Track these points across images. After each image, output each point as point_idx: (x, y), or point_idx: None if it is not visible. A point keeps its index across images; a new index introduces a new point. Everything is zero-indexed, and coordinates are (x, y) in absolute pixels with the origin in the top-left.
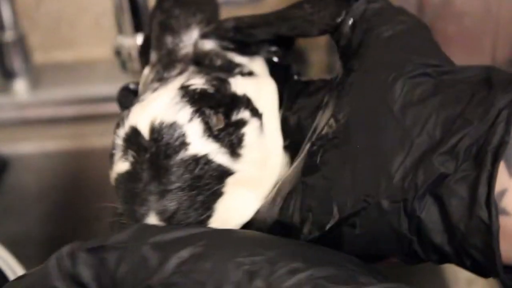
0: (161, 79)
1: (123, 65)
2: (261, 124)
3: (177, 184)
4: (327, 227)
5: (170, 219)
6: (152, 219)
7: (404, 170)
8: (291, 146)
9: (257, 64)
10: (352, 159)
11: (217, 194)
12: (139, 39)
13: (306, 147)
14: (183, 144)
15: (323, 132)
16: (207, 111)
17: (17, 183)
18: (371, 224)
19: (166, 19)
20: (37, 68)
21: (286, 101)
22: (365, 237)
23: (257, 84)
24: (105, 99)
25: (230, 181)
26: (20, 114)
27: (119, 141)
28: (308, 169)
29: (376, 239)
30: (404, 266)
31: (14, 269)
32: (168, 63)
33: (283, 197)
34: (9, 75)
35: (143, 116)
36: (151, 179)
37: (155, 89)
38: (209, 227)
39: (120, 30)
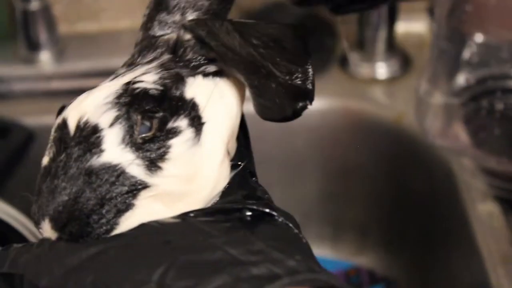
0: (131, 64)
1: None
2: (198, 135)
3: (81, 192)
4: None
5: (63, 228)
6: (46, 225)
7: None
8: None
9: None
10: None
11: (125, 207)
12: None
13: None
14: (98, 150)
15: None
16: (135, 117)
17: (42, 156)
18: None
19: None
20: (61, 39)
21: None
22: None
23: (218, 87)
24: None
25: (143, 195)
26: (45, 85)
27: (52, 130)
28: None
29: None
30: (439, 241)
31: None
32: (147, 46)
33: None
34: (34, 46)
35: (75, 110)
36: (58, 181)
37: (115, 76)
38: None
39: None
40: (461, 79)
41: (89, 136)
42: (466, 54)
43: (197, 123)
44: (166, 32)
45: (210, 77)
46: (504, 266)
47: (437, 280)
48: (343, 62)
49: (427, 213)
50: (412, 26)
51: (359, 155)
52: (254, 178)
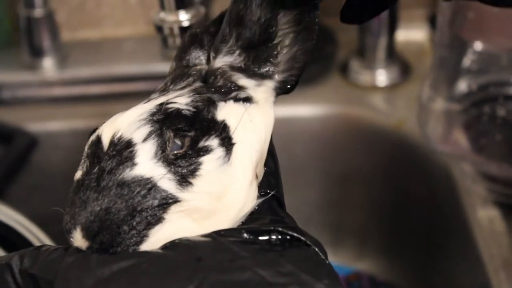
0: (164, 90)
1: (165, 41)
2: (228, 155)
3: (113, 203)
4: None
5: (94, 238)
6: (77, 234)
7: None
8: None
9: (262, 90)
10: None
11: (155, 220)
12: (182, 15)
13: None
14: (131, 163)
15: None
16: (168, 134)
17: (45, 161)
18: None
19: (200, 33)
20: (64, 46)
21: None
22: None
23: (248, 112)
24: (131, 78)
25: (173, 209)
26: (48, 92)
27: (86, 147)
28: None
29: None
30: (440, 246)
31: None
32: (180, 75)
33: None
34: (38, 53)
35: (110, 127)
36: (91, 193)
37: (149, 100)
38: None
39: (162, 5)
40: (462, 85)
41: (122, 150)
42: (467, 61)
43: (227, 143)
44: (198, 62)
45: (241, 102)
46: (505, 271)
47: (438, 285)
48: (344, 69)
49: (428, 218)
50: (412, 34)
51: (359, 161)
52: (282, 208)
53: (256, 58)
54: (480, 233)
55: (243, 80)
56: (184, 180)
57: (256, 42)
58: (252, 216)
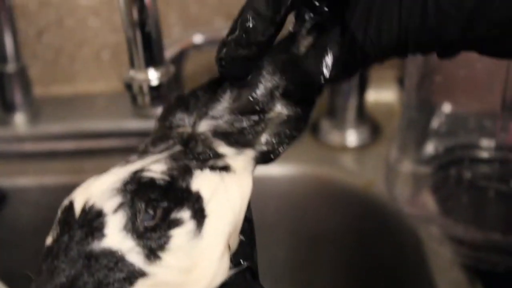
0: (143, 152)
1: (133, 99)
2: (199, 228)
3: (79, 275)
4: None
5: None
6: None
7: None
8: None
9: (242, 159)
10: None
11: None
12: (151, 73)
13: None
14: (100, 235)
15: None
16: (139, 205)
17: (14, 216)
18: None
19: (187, 96)
20: (36, 101)
21: None
22: None
23: (224, 182)
24: (103, 134)
25: (141, 283)
26: (19, 147)
27: (59, 210)
28: None
29: None
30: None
31: None
32: (161, 137)
33: None
34: (9, 108)
35: (83, 193)
36: (58, 263)
37: (127, 162)
38: None
39: (132, 63)
40: (430, 148)
41: (92, 220)
42: (435, 123)
43: (199, 216)
44: (181, 124)
45: (217, 171)
46: None
47: None
48: (315, 129)
49: (396, 279)
50: (382, 95)
51: (329, 221)
52: (256, 279)
53: (243, 127)
54: None
55: (223, 148)
56: (152, 253)
57: (250, 109)
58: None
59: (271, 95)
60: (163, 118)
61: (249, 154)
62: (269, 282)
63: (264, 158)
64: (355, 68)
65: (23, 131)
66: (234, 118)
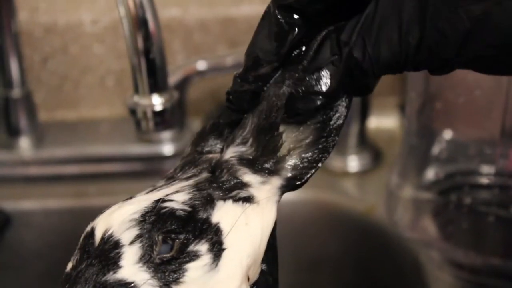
0: (170, 178)
1: (137, 124)
2: (216, 261)
3: None
4: None
5: None
6: None
7: None
8: None
9: (267, 189)
10: None
11: None
12: (155, 99)
13: None
14: (115, 266)
15: None
16: (156, 237)
17: (18, 240)
18: None
19: (222, 124)
20: (41, 126)
21: None
22: None
23: (245, 215)
24: (107, 159)
25: None
26: (24, 171)
27: (81, 237)
28: None
29: None
30: None
31: None
32: (190, 162)
33: None
34: (14, 132)
35: (104, 221)
36: None
37: (153, 188)
38: None
39: (137, 89)
40: (431, 174)
41: (110, 250)
42: (436, 150)
43: (217, 249)
44: (212, 150)
45: (240, 202)
46: None
47: None
48: None
49: None
50: (383, 122)
51: (329, 245)
52: None
53: (265, 147)
54: None
55: (248, 176)
56: (167, 286)
57: (264, 125)
58: None
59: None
60: (196, 143)
61: (274, 183)
62: None
63: (290, 184)
64: (352, 86)
65: (28, 155)
66: (255, 139)
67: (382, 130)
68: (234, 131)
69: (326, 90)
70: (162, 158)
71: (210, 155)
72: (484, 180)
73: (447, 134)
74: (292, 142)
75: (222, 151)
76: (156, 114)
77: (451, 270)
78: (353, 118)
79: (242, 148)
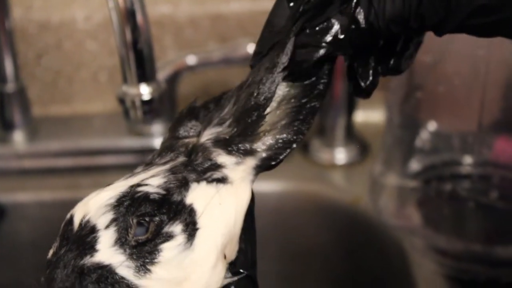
0: (149, 164)
1: (126, 113)
2: (191, 241)
3: None
4: None
5: None
6: None
7: None
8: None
9: (241, 169)
10: None
11: None
12: (143, 88)
13: None
14: (92, 250)
15: None
16: (131, 220)
17: (12, 231)
18: None
19: (198, 107)
20: (35, 120)
21: None
22: None
23: (219, 195)
24: (100, 152)
25: None
26: (18, 164)
27: (61, 225)
28: None
29: None
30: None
31: None
32: (167, 147)
33: None
34: (9, 126)
35: (82, 208)
36: (54, 275)
37: (132, 175)
38: None
39: (125, 79)
40: (414, 164)
41: (87, 235)
42: (419, 141)
43: (191, 229)
44: (188, 135)
45: (214, 183)
46: None
47: None
48: (305, 148)
49: None
50: (370, 116)
51: (317, 236)
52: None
53: (244, 129)
54: None
55: (222, 157)
56: (143, 267)
57: (250, 107)
58: None
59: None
60: (173, 128)
61: (249, 163)
62: None
63: (265, 165)
64: (358, 41)
65: (22, 148)
66: (235, 120)
67: (369, 124)
68: (211, 112)
69: (333, 38)
70: (153, 151)
71: (187, 140)
72: (467, 170)
73: (431, 126)
74: (268, 124)
75: (199, 134)
76: (144, 103)
77: (434, 256)
78: (340, 112)
79: (219, 129)
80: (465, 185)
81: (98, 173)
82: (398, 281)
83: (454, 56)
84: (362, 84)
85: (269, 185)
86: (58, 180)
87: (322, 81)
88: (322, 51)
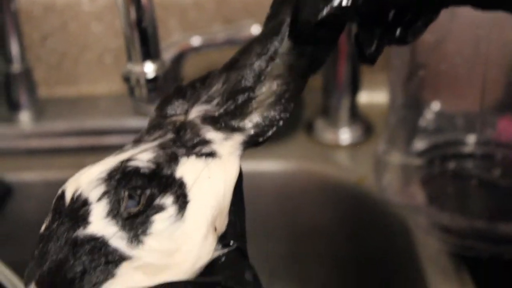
0: (137, 141)
1: (131, 91)
2: (181, 213)
3: (66, 260)
4: None
5: None
6: None
7: None
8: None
9: (229, 145)
10: None
11: (105, 277)
12: (147, 66)
13: None
14: (84, 222)
15: None
16: (123, 192)
17: (19, 210)
18: None
19: (185, 86)
20: (41, 101)
21: None
22: None
23: (208, 168)
24: (105, 132)
25: (125, 265)
26: (24, 144)
27: (54, 199)
28: None
29: None
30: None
31: None
32: (155, 125)
33: None
34: (15, 107)
35: (73, 183)
36: (47, 249)
37: (121, 151)
38: None
39: (130, 57)
40: (418, 143)
41: (79, 209)
42: (423, 120)
43: (181, 201)
44: (176, 113)
45: (203, 157)
46: None
47: None
48: (309, 128)
49: (386, 268)
50: (374, 97)
51: (321, 215)
52: (246, 259)
53: (233, 109)
54: (435, 283)
55: (210, 134)
56: (135, 238)
57: (240, 89)
58: (209, 268)
59: (259, 75)
60: (160, 108)
61: (237, 139)
62: (265, 274)
63: (253, 141)
64: (368, 8)
65: (28, 128)
66: (224, 99)
67: (373, 105)
68: (198, 91)
69: (339, 2)
70: None
71: (175, 118)
72: (469, 149)
73: (435, 106)
74: (255, 102)
75: (186, 112)
76: (149, 81)
77: (438, 234)
78: (344, 92)
79: (207, 106)
80: (468, 163)
81: (103, 153)
82: (402, 259)
83: (456, 35)
84: (366, 51)
85: (273, 165)
86: (64, 160)
87: (321, 53)
88: (326, 11)
